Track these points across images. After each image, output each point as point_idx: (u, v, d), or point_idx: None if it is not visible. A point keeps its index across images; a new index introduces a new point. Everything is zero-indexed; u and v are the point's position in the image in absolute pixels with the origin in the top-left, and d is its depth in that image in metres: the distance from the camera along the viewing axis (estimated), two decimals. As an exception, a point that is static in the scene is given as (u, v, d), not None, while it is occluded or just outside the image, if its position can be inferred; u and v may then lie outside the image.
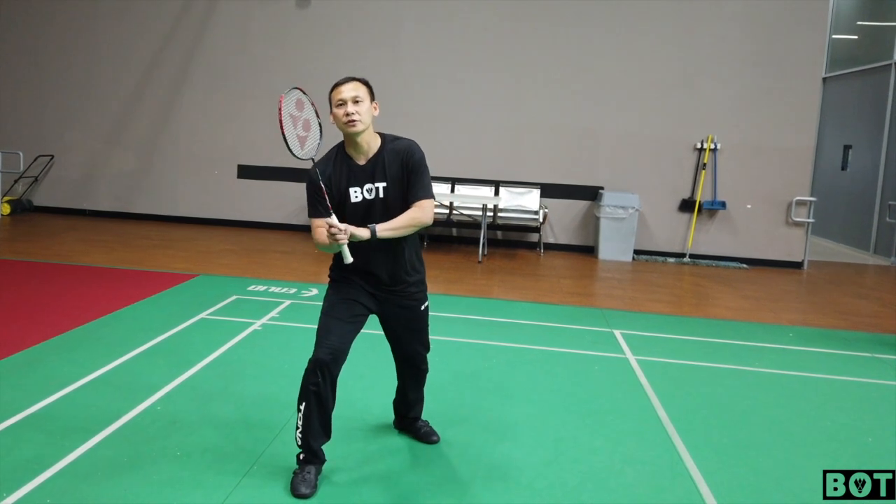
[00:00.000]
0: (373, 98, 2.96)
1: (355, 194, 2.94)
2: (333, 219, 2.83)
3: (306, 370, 2.90)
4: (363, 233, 2.83)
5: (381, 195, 2.94)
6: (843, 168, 12.30)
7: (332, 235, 2.79)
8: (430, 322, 3.27)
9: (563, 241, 10.10)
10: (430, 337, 3.32)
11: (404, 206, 2.97)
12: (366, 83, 2.96)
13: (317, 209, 2.91)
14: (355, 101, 2.86)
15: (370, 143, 2.95)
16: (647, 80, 9.67)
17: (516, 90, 9.93)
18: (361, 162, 2.96)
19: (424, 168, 2.99)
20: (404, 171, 2.95)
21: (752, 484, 3.19)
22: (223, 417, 3.60)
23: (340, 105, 2.88)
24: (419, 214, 2.93)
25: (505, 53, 9.91)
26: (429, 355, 3.36)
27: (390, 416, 3.59)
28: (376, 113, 2.97)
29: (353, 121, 2.85)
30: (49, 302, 5.70)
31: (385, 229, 2.88)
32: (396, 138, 3.02)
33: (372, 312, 3.11)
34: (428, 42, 10.05)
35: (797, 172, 9.54)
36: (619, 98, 9.75)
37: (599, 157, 9.87)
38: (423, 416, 3.53)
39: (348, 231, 2.79)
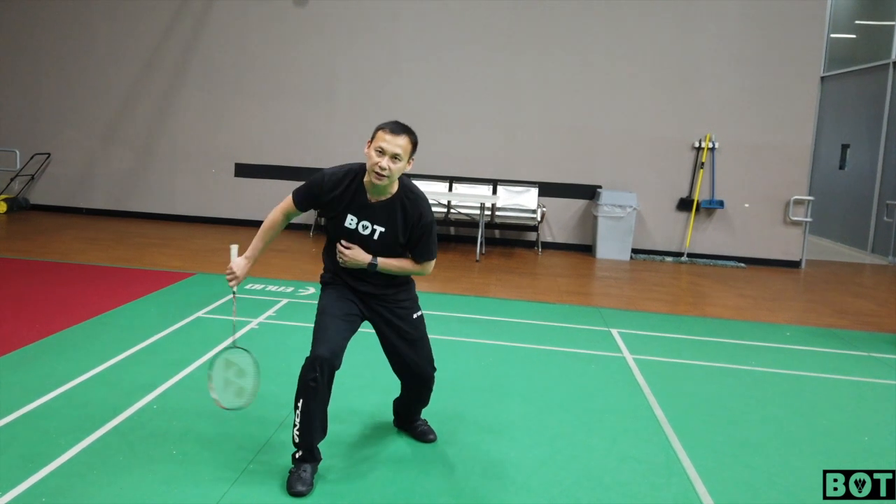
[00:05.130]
0: (412, 156, 2.96)
1: (350, 221, 3.00)
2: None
3: (304, 367, 2.90)
4: (365, 259, 2.99)
5: (375, 237, 3.00)
6: (841, 167, 12.30)
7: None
8: (427, 320, 3.26)
9: (560, 239, 10.11)
10: (428, 336, 3.30)
11: (394, 251, 3.05)
12: (414, 142, 2.95)
13: (305, 199, 3.03)
14: (394, 158, 2.87)
15: (387, 189, 2.98)
16: (646, 78, 9.67)
17: (514, 89, 9.92)
18: (371, 200, 2.99)
19: (433, 230, 3.06)
20: (409, 229, 3.00)
21: (748, 482, 3.20)
22: (220, 416, 3.59)
23: (380, 153, 2.87)
24: (420, 269, 3.12)
25: (503, 52, 9.90)
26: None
27: (387, 414, 3.59)
28: (408, 168, 2.97)
29: (382, 175, 2.87)
30: (46, 300, 5.69)
31: (385, 265, 3.02)
32: (411, 189, 3.03)
33: (364, 318, 3.14)
34: (425, 40, 10.04)
35: (795, 171, 9.55)
36: (617, 96, 9.75)
37: (597, 156, 9.87)
38: (421, 415, 3.53)
39: (353, 253, 2.98)
